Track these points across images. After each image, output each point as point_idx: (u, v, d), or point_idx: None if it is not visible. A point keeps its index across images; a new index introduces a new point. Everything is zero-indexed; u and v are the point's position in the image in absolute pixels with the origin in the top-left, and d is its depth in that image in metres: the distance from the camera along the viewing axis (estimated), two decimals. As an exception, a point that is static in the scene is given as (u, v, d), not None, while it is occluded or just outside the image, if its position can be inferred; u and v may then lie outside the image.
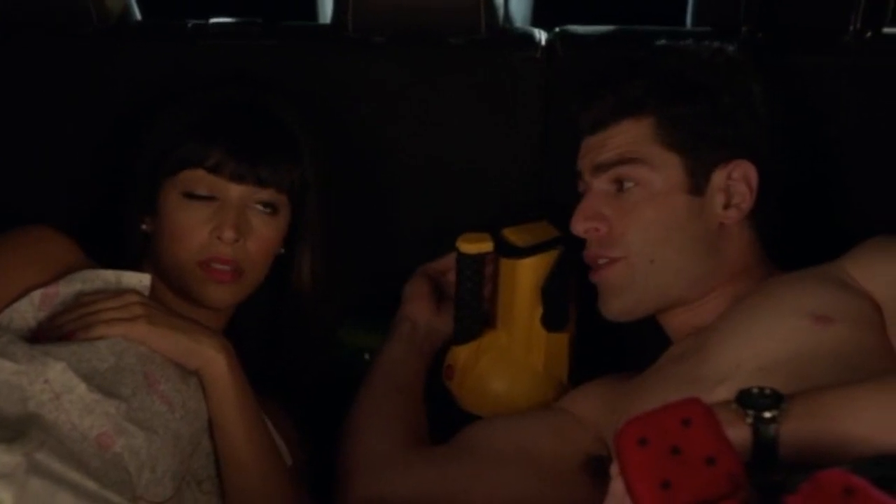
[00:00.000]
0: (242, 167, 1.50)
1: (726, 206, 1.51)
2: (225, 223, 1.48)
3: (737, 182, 1.51)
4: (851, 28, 1.70)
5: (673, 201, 1.50)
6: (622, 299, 1.53)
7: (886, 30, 1.74)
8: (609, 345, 1.64)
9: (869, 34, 1.71)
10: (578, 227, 1.55)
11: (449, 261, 1.67)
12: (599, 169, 1.54)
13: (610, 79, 1.57)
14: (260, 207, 1.52)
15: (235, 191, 1.50)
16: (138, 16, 1.88)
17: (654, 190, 1.51)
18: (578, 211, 1.55)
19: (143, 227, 1.54)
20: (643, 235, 1.50)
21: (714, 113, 1.51)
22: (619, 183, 1.52)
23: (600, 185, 1.54)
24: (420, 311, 1.69)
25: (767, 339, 1.38)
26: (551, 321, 1.63)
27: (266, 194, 1.51)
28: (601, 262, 1.54)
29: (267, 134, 1.54)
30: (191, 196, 1.50)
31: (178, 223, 1.50)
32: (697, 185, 1.50)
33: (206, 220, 1.49)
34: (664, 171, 1.51)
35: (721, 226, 1.51)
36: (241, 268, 1.50)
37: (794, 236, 1.59)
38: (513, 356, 1.65)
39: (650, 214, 1.50)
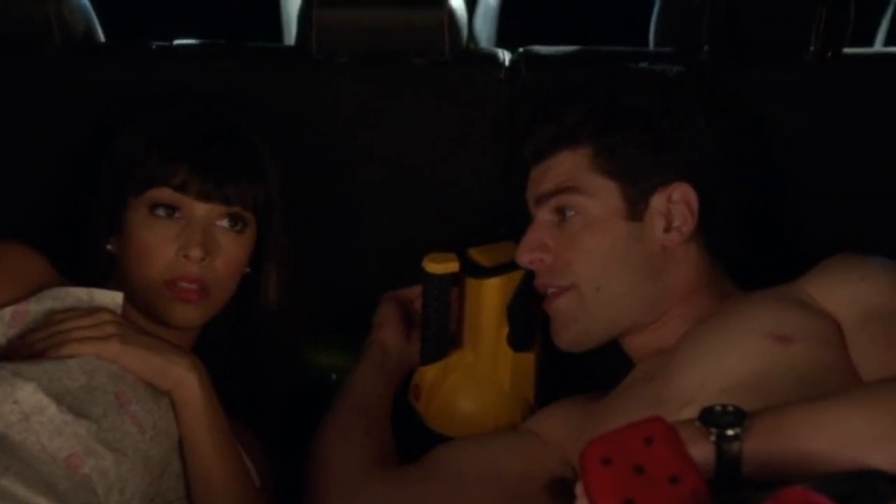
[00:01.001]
0: (209, 186, 1.49)
1: (667, 230, 1.51)
2: (192, 242, 1.48)
3: (676, 205, 1.51)
4: (812, 48, 1.72)
5: (611, 228, 1.51)
6: (572, 329, 1.55)
7: (847, 50, 1.76)
8: (575, 364, 1.64)
9: (829, 54, 1.73)
10: (523, 258, 1.56)
11: (416, 289, 1.67)
12: (540, 200, 1.55)
13: (547, 109, 1.58)
14: (226, 225, 1.51)
15: (202, 209, 1.50)
16: (101, 37, 1.87)
17: (593, 217, 1.51)
18: (523, 243, 1.56)
19: (109, 247, 1.53)
20: (587, 264, 1.51)
21: (650, 138, 1.52)
22: (561, 213, 1.53)
23: (543, 215, 1.55)
24: (391, 337, 1.69)
25: (729, 359, 1.38)
26: (517, 340, 1.64)
27: (232, 212, 1.51)
28: (550, 290, 1.55)
29: (233, 152, 1.54)
30: (156, 215, 1.49)
31: (145, 242, 1.49)
32: (635, 210, 1.51)
33: (172, 239, 1.48)
34: (601, 199, 1.51)
35: (664, 249, 1.52)
36: (208, 287, 1.50)
37: (754, 254, 1.60)
38: (479, 376, 1.66)
39: (590, 242, 1.51)
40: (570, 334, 1.55)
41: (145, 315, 1.51)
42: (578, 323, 1.54)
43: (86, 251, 1.55)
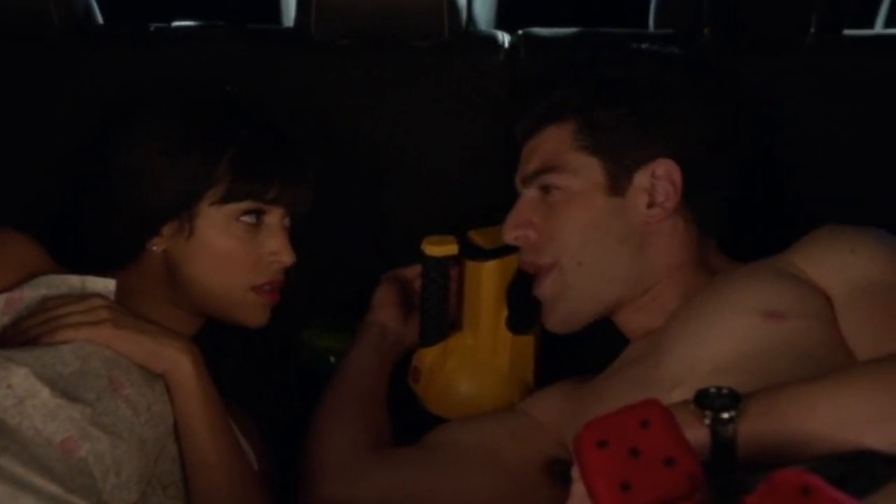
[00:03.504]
0: (296, 197, 1.53)
1: (651, 205, 1.51)
2: (284, 247, 1.51)
3: (660, 181, 1.51)
4: (812, 30, 1.71)
5: (591, 202, 1.51)
6: (560, 309, 1.55)
7: (847, 32, 1.75)
8: (575, 346, 1.64)
9: (829, 36, 1.73)
10: (509, 235, 1.57)
11: (416, 269, 1.67)
12: (526, 180, 1.56)
13: (533, 88, 1.59)
14: (288, 224, 1.55)
15: (279, 213, 1.52)
16: (100, 19, 1.87)
17: (573, 192, 1.52)
18: (508, 220, 1.57)
19: (155, 248, 1.50)
20: (568, 238, 1.52)
21: (635, 115, 1.52)
22: (546, 189, 1.54)
23: (529, 193, 1.56)
24: (390, 318, 1.69)
25: (720, 338, 1.38)
26: (516, 323, 1.64)
27: (295, 211, 1.55)
28: (535, 269, 1.55)
29: (302, 159, 1.56)
30: (243, 221, 1.50)
31: (228, 248, 1.49)
32: (617, 185, 1.51)
33: (258, 244, 1.50)
34: (583, 175, 1.52)
35: (647, 224, 1.52)
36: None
37: (754, 235, 1.60)
38: (479, 358, 1.66)
39: (571, 217, 1.52)
40: (557, 314, 1.56)
41: (200, 314, 1.53)
42: (564, 302, 1.54)
43: (115, 247, 1.52)
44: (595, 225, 1.51)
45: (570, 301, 1.54)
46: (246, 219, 1.50)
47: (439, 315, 1.64)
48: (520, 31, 1.80)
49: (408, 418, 1.66)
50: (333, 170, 1.72)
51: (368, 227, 1.80)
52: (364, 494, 1.52)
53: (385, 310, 1.69)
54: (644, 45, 1.67)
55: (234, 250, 1.50)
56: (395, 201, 1.80)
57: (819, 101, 1.73)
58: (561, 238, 1.52)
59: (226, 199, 1.49)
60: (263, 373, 1.69)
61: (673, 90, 1.55)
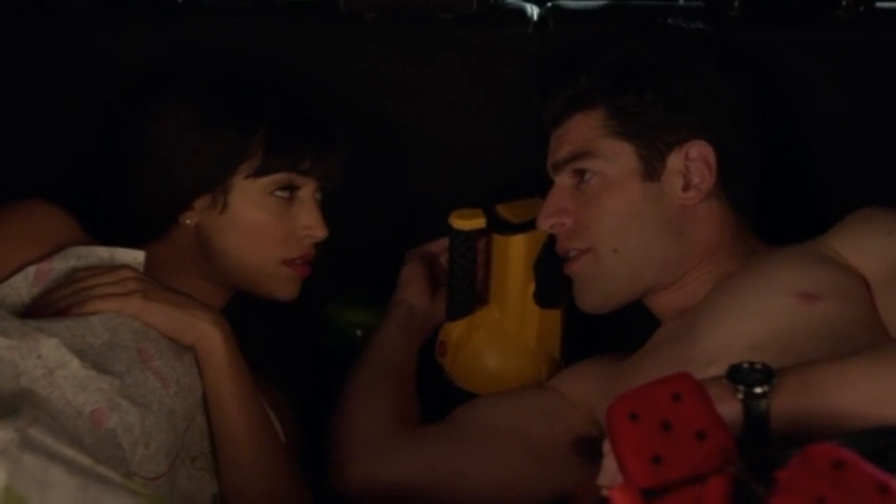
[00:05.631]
0: (328, 170, 1.53)
1: (686, 188, 1.51)
2: (317, 221, 1.52)
3: (694, 162, 1.50)
4: (844, 2, 1.70)
5: (628, 189, 1.51)
6: (593, 292, 1.55)
7: (879, 3, 1.74)
8: (602, 321, 1.63)
9: (862, 8, 1.71)
10: (545, 223, 1.56)
11: (442, 243, 1.67)
12: (557, 166, 1.55)
13: (559, 74, 1.58)
14: (320, 197, 1.54)
15: (311, 186, 1.52)
16: (127, -9, 1.87)
17: (609, 179, 1.51)
18: (543, 208, 1.56)
19: (188, 221, 1.51)
20: (604, 225, 1.51)
21: (663, 97, 1.51)
22: (580, 175, 1.53)
23: (563, 180, 1.55)
24: (418, 296, 1.69)
25: (755, 318, 1.37)
26: (544, 297, 1.64)
27: (325, 185, 1.55)
28: (571, 254, 1.55)
29: (333, 131, 1.56)
30: (277, 195, 1.50)
31: (265, 222, 1.50)
32: (652, 170, 1.50)
33: (291, 218, 1.51)
34: (617, 160, 1.51)
35: (684, 207, 1.51)
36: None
37: (784, 211, 1.59)
38: (505, 332, 1.66)
39: (608, 204, 1.51)
40: (591, 297, 1.55)
41: (230, 287, 1.53)
42: (599, 285, 1.54)
43: (147, 220, 1.52)
44: (632, 212, 1.51)
45: (604, 285, 1.54)
46: (280, 193, 1.50)
47: (466, 289, 1.64)
48: (549, 4, 1.79)
49: (434, 392, 1.65)
50: (358, 144, 1.71)
51: (392, 201, 1.80)
52: (391, 472, 1.52)
53: (411, 288, 1.69)
54: (669, 20, 1.65)
55: (267, 224, 1.50)
56: (420, 175, 1.79)
57: (850, 74, 1.71)
58: (597, 225, 1.52)
59: (260, 173, 1.49)
60: (290, 346, 1.69)
61: (699, 69, 1.54)
